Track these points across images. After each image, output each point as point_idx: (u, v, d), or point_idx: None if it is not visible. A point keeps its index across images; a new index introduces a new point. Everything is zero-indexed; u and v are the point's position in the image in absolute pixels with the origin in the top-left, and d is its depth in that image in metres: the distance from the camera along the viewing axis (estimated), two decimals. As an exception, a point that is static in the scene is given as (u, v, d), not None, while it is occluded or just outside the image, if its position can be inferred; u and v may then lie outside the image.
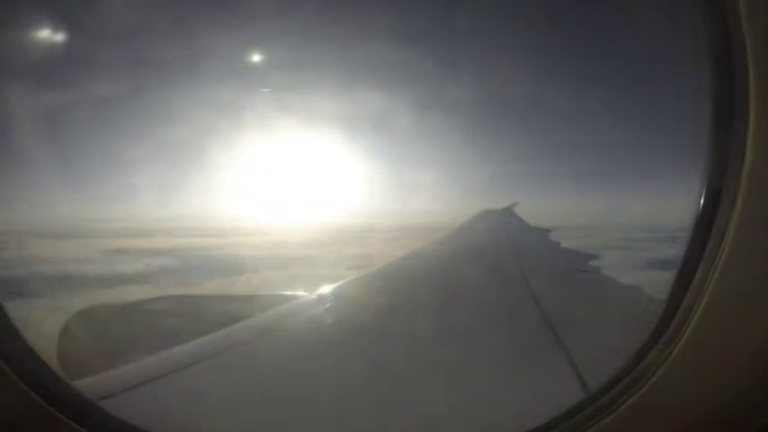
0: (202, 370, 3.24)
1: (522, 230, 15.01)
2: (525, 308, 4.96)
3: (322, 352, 3.76)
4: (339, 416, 2.64)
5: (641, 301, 5.72)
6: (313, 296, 6.15)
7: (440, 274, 7.45)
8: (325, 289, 6.68)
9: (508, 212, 18.29)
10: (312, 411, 2.69)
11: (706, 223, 1.47)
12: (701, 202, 1.50)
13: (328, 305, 5.61)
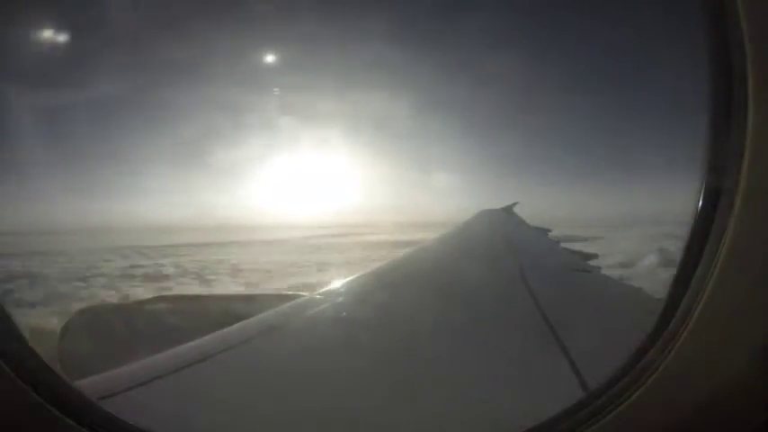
0: (202, 370, 3.25)
1: (521, 230, 15.02)
2: (525, 308, 4.96)
3: (322, 351, 3.76)
4: (340, 414, 2.65)
5: (640, 301, 5.74)
6: (313, 295, 6.15)
7: (440, 273, 7.45)
8: (326, 288, 6.69)
9: (508, 212, 18.31)
10: (313, 410, 2.69)
11: (705, 222, 1.47)
12: (700, 201, 1.50)
13: (328, 304, 5.61)
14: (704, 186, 1.49)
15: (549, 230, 15.18)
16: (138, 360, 3.46)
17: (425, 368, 3.32)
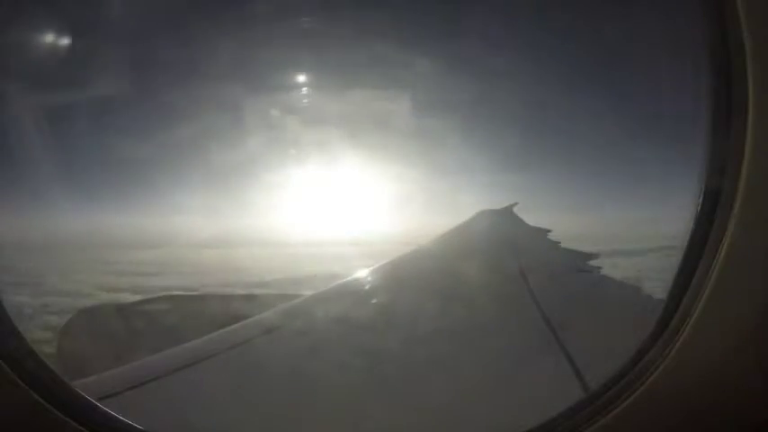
0: (202, 370, 3.25)
1: (521, 230, 15.00)
2: (525, 308, 4.96)
3: (321, 351, 3.76)
4: (339, 414, 2.65)
5: (641, 301, 5.73)
6: (313, 295, 6.15)
7: (439, 274, 7.45)
8: (325, 287, 6.68)
9: (507, 212, 18.26)
10: (312, 410, 2.69)
11: (705, 223, 1.47)
12: (700, 201, 1.50)
13: (328, 304, 5.61)
14: (704, 187, 1.50)
15: (549, 231, 15.14)
16: (138, 360, 3.46)
17: (426, 369, 3.32)
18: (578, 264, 9.68)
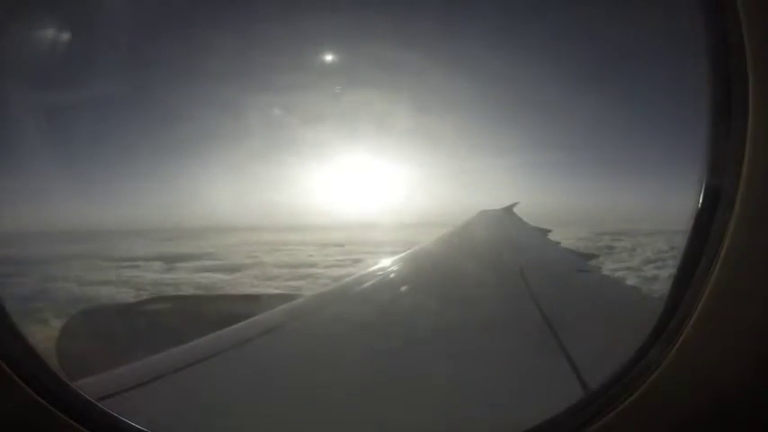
0: (202, 370, 3.25)
1: (521, 230, 15.00)
2: (525, 308, 4.96)
3: (321, 351, 3.76)
4: (339, 415, 2.65)
5: (641, 301, 5.73)
6: (313, 295, 6.15)
7: (439, 274, 7.45)
8: (325, 288, 6.69)
9: (508, 212, 18.29)
10: (312, 410, 2.69)
11: (705, 222, 1.47)
12: (700, 200, 1.50)
13: (328, 304, 5.61)
14: (704, 186, 1.50)
15: (549, 231, 15.16)
16: (138, 360, 3.46)
17: (425, 369, 3.32)
18: (578, 264, 9.69)
